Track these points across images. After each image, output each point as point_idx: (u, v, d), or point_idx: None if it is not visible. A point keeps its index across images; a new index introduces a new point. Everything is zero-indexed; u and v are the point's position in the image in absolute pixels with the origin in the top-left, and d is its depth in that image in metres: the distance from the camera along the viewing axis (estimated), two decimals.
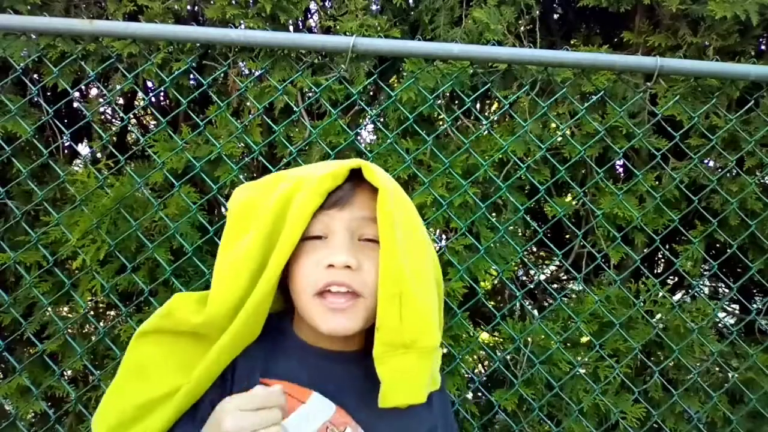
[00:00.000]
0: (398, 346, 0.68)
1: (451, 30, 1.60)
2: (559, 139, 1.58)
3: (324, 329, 0.69)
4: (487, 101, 1.83)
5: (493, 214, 1.55)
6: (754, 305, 1.59)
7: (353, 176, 0.72)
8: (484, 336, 1.56)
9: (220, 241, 0.74)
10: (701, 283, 1.90)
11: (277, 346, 0.75)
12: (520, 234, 1.64)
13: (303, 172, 0.75)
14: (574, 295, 1.72)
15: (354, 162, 0.72)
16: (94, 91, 1.83)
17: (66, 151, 1.65)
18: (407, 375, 0.68)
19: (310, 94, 1.56)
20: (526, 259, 1.55)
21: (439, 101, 1.58)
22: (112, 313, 1.69)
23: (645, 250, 1.68)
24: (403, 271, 0.67)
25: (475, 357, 1.67)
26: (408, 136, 1.56)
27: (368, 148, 1.53)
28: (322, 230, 0.70)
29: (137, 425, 0.67)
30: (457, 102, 1.69)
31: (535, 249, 2.14)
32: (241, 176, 1.46)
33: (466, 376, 1.47)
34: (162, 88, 1.57)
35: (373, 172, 0.70)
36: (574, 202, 1.65)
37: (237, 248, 0.71)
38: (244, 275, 0.69)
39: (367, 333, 0.74)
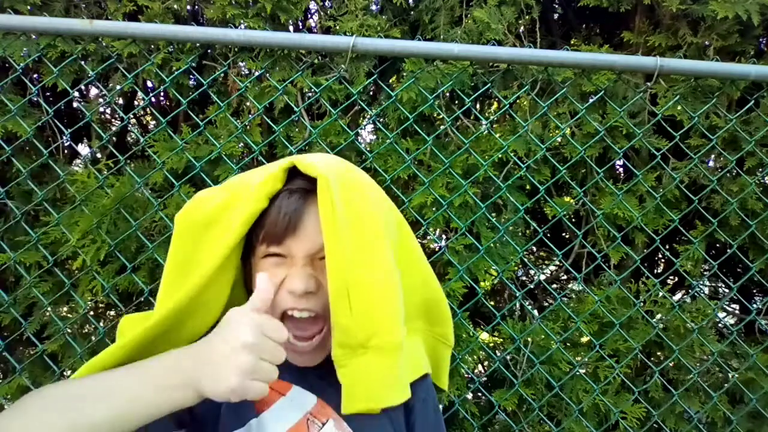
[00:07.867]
0: (355, 345, 0.63)
1: (451, 30, 1.60)
2: (559, 139, 1.58)
3: (293, 362, 0.69)
4: (487, 101, 1.83)
5: (493, 214, 1.55)
6: (754, 305, 1.59)
7: (299, 181, 0.67)
8: (484, 336, 1.56)
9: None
10: (701, 283, 1.90)
11: None
12: (520, 234, 1.64)
13: (241, 180, 0.72)
14: (574, 295, 1.72)
15: (286, 161, 0.67)
16: (94, 91, 1.82)
17: (66, 151, 1.65)
18: (367, 378, 0.63)
19: (310, 94, 1.56)
20: (526, 259, 1.55)
21: (439, 101, 1.58)
22: (112, 313, 1.69)
23: (645, 250, 1.68)
24: (349, 261, 0.62)
25: (475, 357, 1.67)
26: (408, 136, 1.56)
27: (368, 148, 1.53)
28: (283, 249, 0.67)
29: None
30: (457, 102, 1.69)
31: (535, 249, 2.14)
32: None
33: (466, 376, 1.47)
34: (162, 88, 1.56)
35: (307, 164, 0.65)
36: (574, 202, 1.65)
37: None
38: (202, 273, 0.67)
39: None
